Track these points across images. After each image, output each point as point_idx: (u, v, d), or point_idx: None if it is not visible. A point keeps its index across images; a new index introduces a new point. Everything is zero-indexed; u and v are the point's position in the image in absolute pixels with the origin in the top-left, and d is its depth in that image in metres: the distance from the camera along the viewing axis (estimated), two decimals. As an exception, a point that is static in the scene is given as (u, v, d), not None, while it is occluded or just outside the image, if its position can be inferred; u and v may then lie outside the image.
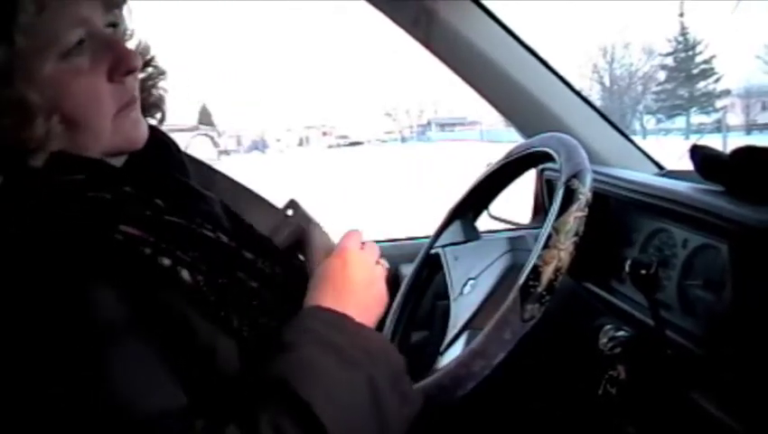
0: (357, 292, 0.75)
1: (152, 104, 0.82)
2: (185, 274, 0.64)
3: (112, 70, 0.67)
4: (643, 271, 0.91)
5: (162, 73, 0.82)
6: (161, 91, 0.83)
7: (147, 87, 0.80)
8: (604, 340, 1.00)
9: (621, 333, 1.00)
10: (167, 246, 0.64)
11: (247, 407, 0.62)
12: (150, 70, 0.81)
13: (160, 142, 0.79)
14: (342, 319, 0.70)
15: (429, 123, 41.34)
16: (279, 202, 0.89)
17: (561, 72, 1.41)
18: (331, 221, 0.87)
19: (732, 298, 0.84)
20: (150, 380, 0.59)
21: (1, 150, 0.63)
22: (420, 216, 1.26)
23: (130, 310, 0.60)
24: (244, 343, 0.66)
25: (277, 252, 0.81)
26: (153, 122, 0.82)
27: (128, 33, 0.76)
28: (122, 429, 0.56)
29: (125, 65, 0.68)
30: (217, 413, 0.61)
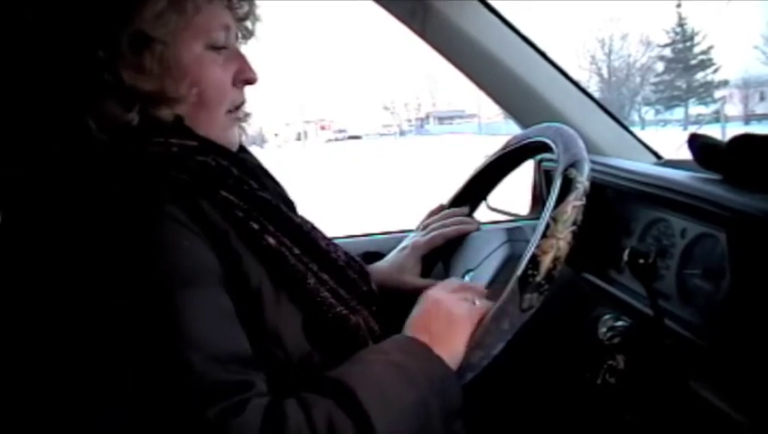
0: (440, 330, 0.78)
1: None
2: (270, 240, 0.74)
3: (236, 75, 0.80)
4: (642, 261, 0.91)
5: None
6: None
7: None
8: (603, 330, 1.00)
9: (619, 323, 1.00)
10: (257, 215, 0.74)
11: (305, 391, 0.68)
12: None
13: None
14: (413, 343, 0.76)
15: (428, 116, 41.32)
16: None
17: (559, 64, 1.40)
18: (330, 214, 0.88)
19: (731, 287, 0.84)
20: (223, 327, 0.66)
21: (142, 97, 0.73)
22: (419, 208, 1.25)
23: (217, 264, 0.68)
24: (312, 314, 0.75)
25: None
26: None
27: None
28: (190, 366, 0.62)
29: (246, 74, 0.81)
30: (278, 386, 0.68)
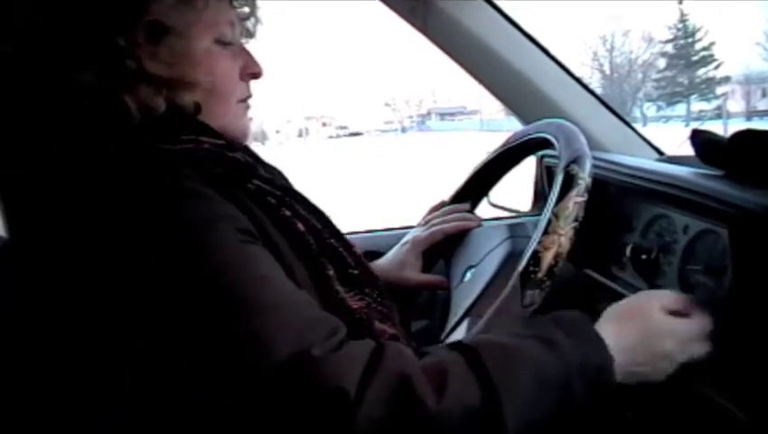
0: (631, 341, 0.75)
1: None
2: (300, 226, 0.76)
3: (243, 69, 0.82)
4: (644, 257, 0.91)
5: None
6: None
7: None
8: (605, 326, 0.99)
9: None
10: (289, 201, 0.78)
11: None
12: None
13: None
14: (576, 321, 0.73)
15: (429, 113, 41.29)
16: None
17: (561, 60, 1.40)
18: (332, 211, 0.88)
19: (732, 283, 0.84)
20: (288, 282, 0.67)
21: (164, 83, 0.74)
22: (420, 205, 1.25)
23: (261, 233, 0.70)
24: (333, 302, 0.74)
25: None
26: None
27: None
28: (277, 308, 0.62)
29: (252, 68, 0.84)
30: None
